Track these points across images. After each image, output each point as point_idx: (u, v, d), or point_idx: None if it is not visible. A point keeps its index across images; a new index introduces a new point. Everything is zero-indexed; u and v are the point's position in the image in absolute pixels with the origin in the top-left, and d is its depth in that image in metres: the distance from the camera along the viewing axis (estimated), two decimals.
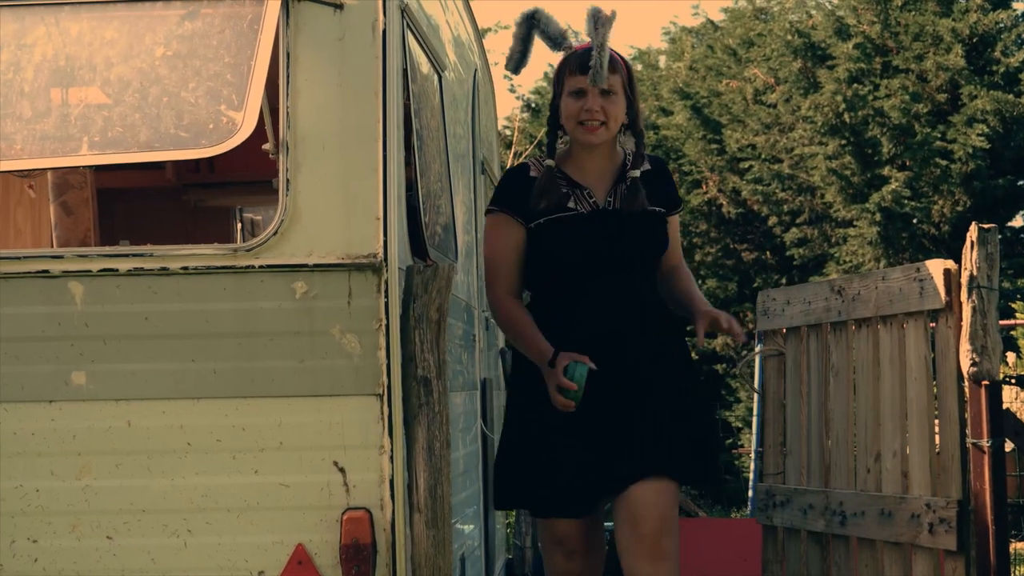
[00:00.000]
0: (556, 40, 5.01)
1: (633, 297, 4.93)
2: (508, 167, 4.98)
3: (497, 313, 4.99)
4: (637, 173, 4.96)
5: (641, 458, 4.81)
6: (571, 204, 4.92)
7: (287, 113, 4.51)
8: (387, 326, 4.46)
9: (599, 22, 4.88)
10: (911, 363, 5.50)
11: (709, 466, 5.02)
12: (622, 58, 4.96)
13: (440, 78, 5.55)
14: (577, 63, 4.88)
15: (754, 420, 11.80)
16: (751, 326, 15.37)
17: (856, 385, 5.84)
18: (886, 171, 15.72)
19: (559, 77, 4.96)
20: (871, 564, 5.71)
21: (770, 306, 6.40)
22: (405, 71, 4.75)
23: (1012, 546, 8.46)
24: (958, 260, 5.28)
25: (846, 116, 15.74)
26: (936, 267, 5.32)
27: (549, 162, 4.95)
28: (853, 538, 5.81)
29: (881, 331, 5.66)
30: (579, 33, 5.12)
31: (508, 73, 5.07)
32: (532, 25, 5.01)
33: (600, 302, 4.89)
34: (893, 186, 15.41)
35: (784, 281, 17.22)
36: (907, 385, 5.52)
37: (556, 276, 4.93)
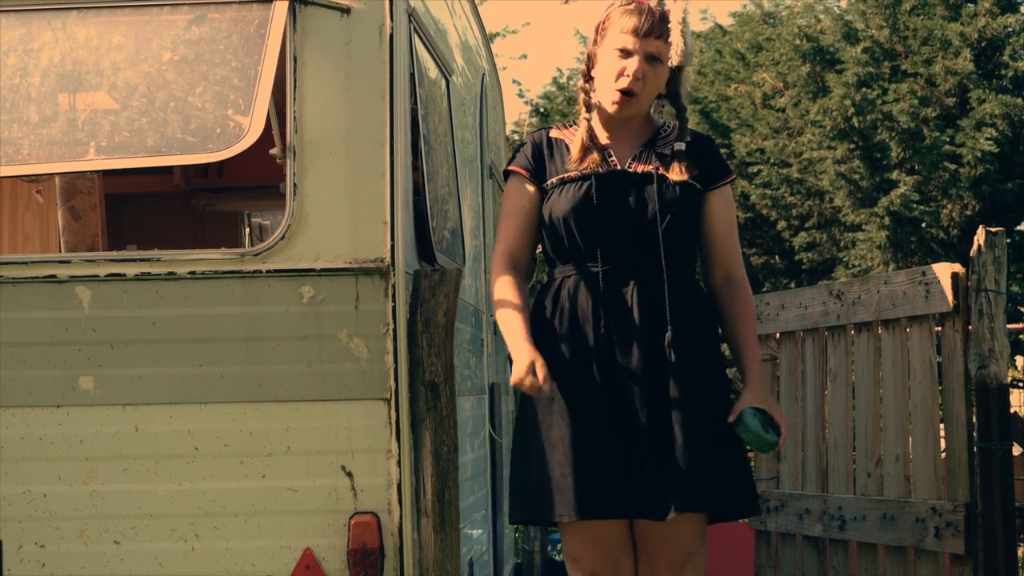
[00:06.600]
0: None
1: (657, 290, 4.25)
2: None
3: (491, 280, 4.38)
4: (682, 146, 4.33)
5: (672, 493, 4.17)
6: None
7: (294, 118, 4.51)
8: (394, 330, 4.46)
9: None
10: (915, 366, 5.50)
11: (746, 495, 4.32)
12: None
13: (448, 82, 5.55)
14: (634, 24, 4.27)
15: None
16: None
17: (855, 389, 5.83)
18: (895, 175, 15.67)
19: (605, 25, 4.33)
20: (871, 568, 5.70)
21: (763, 310, 6.39)
22: (412, 75, 4.74)
23: (1020, 550, 8.45)
24: (967, 264, 5.28)
25: (855, 120, 15.69)
26: (943, 271, 5.31)
27: (587, 116, 4.37)
28: (852, 542, 5.80)
29: (883, 335, 5.65)
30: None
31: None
32: None
33: (618, 293, 4.24)
34: (902, 190, 15.36)
35: (793, 285, 17.18)
36: (911, 389, 5.52)
37: (569, 254, 4.30)
